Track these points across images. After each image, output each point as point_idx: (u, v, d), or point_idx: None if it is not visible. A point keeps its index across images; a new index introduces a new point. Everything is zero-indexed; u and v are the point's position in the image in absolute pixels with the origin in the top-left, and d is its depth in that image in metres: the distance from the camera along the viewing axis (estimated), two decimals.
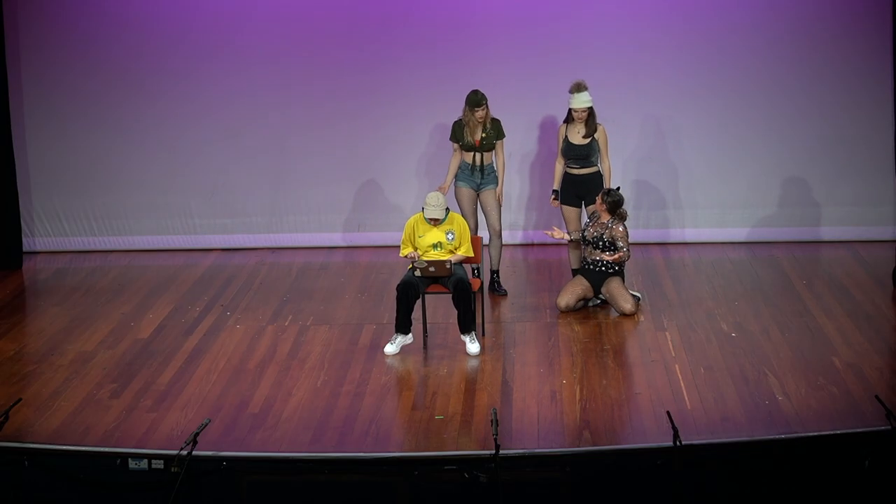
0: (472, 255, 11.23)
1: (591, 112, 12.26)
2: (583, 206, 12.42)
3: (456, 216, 11.25)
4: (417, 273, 10.92)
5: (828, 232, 14.21)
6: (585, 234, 11.88)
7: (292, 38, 14.18)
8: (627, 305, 11.72)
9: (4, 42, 13.69)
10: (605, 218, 11.80)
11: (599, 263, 11.83)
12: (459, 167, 12.55)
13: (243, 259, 14.14)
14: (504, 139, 12.54)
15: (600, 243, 11.77)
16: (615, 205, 11.75)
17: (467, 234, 11.22)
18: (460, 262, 11.14)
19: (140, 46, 14.20)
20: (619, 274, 11.86)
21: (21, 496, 8.93)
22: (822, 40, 13.97)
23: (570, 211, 12.43)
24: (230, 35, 14.19)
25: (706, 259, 13.69)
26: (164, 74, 14.26)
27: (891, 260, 13.15)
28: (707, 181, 14.21)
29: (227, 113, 14.31)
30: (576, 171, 12.38)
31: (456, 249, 11.13)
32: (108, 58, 14.22)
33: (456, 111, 13.27)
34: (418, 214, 11.25)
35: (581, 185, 12.36)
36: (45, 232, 14.54)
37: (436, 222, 11.08)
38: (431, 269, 10.93)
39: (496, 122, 12.47)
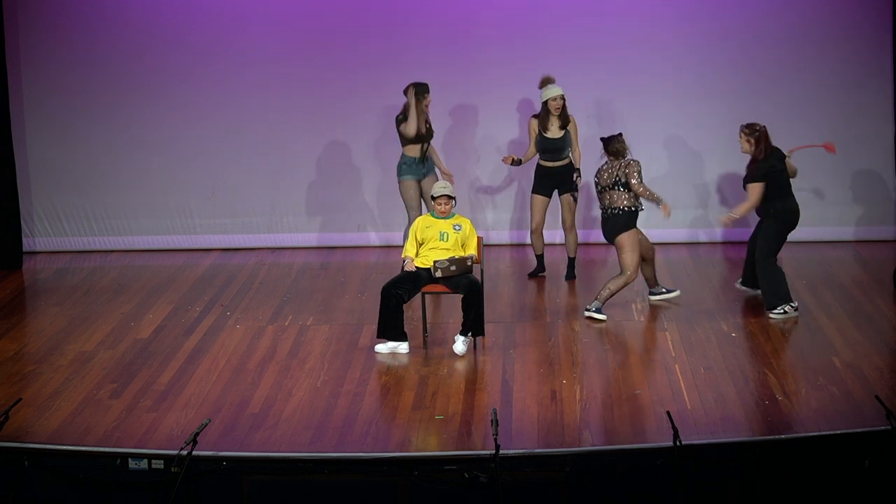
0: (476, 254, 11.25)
1: (564, 102, 12.72)
2: (555, 195, 12.90)
3: (464, 217, 11.28)
4: (439, 274, 10.90)
5: (828, 232, 14.22)
6: (599, 181, 11.83)
7: (292, 38, 14.19)
8: (628, 260, 11.71)
9: (4, 42, 13.69)
10: (615, 161, 11.81)
11: (616, 209, 11.76)
12: (405, 163, 12.97)
13: (243, 259, 14.14)
14: None
15: (619, 186, 11.75)
16: (616, 150, 11.81)
17: (474, 235, 11.22)
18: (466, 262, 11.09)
19: (140, 47, 14.21)
20: (633, 218, 11.78)
21: (21, 496, 8.92)
22: (822, 41, 13.98)
23: (539, 200, 12.92)
24: (230, 36, 14.19)
25: (707, 259, 13.69)
26: (165, 75, 14.27)
27: (891, 260, 13.16)
28: (707, 181, 14.21)
29: (227, 113, 14.32)
30: (550, 164, 12.80)
31: (464, 244, 11.12)
32: (108, 58, 14.23)
33: (455, 111, 13.37)
34: (424, 215, 11.33)
35: (556, 177, 12.80)
36: (45, 232, 14.55)
37: (445, 209, 11.05)
38: (452, 267, 10.92)
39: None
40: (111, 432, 9.39)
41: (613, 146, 11.81)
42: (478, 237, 11.35)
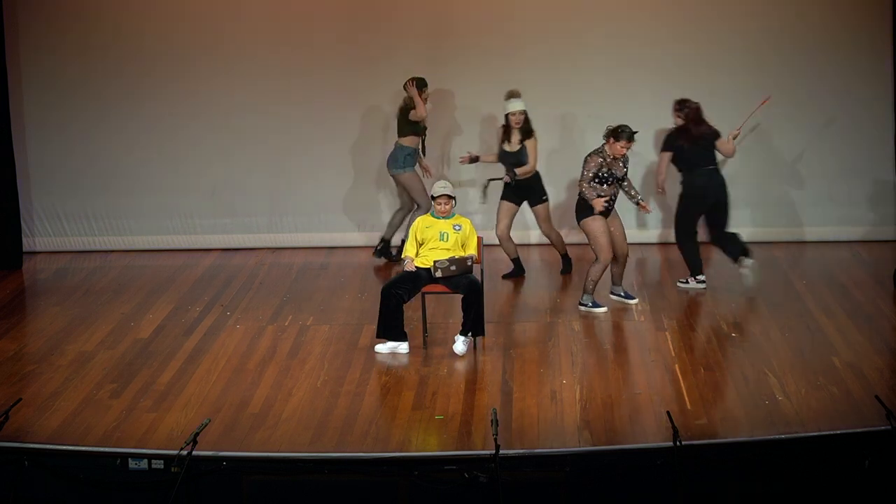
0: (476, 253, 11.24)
1: (526, 117, 12.85)
2: (526, 205, 13.13)
3: (464, 217, 11.27)
4: (439, 274, 10.89)
5: (828, 232, 14.21)
6: (615, 172, 11.78)
7: (293, 38, 14.19)
8: (596, 244, 11.85)
9: (4, 42, 13.68)
10: (625, 148, 11.81)
11: (615, 199, 11.92)
12: (408, 154, 13.37)
13: (243, 259, 14.14)
14: None
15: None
16: (632, 133, 11.83)
17: (474, 235, 11.22)
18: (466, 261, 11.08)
19: (140, 46, 14.20)
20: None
21: (21, 496, 8.92)
22: (823, 39, 13.97)
23: (506, 205, 13.13)
24: (230, 35, 14.19)
25: (706, 259, 13.67)
26: (164, 75, 14.25)
27: (891, 260, 13.15)
28: None
29: (227, 113, 14.31)
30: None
31: (464, 244, 11.11)
32: (108, 59, 14.23)
33: (458, 112, 13.35)
34: (424, 214, 11.33)
35: (522, 189, 13.01)
36: (45, 232, 14.55)
37: (445, 209, 11.04)
38: (452, 267, 10.91)
39: None
40: (111, 432, 9.39)
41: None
42: (478, 237, 11.34)
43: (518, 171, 12.84)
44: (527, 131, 12.88)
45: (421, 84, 13.29)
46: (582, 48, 14.07)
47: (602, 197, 11.73)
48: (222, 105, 14.30)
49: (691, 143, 12.44)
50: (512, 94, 12.93)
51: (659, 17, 14.04)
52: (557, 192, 13.97)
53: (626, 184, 11.98)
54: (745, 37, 14.01)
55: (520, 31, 14.07)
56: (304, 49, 14.20)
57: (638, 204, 12.08)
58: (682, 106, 12.56)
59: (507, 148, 12.94)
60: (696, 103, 12.57)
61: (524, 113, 12.85)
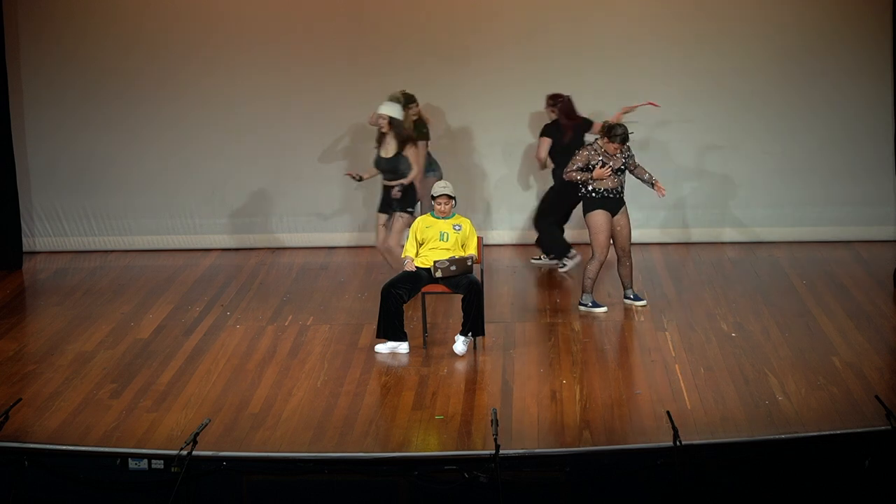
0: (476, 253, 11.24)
1: (392, 123, 12.25)
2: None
3: (464, 217, 11.26)
4: (439, 274, 10.89)
5: (828, 232, 14.21)
6: (611, 164, 11.67)
7: (293, 39, 14.19)
8: (594, 242, 11.88)
9: (4, 43, 13.68)
10: (617, 149, 11.74)
11: (621, 189, 11.85)
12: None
13: (243, 259, 14.14)
14: None
15: (630, 167, 11.85)
16: (625, 136, 11.75)
17: (474, 235, 11.22)
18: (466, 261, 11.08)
19: (140, 47, 14.20)
20: (590, 201, 11.89)
21: (21, 496, 8.92)
22: (822, 40, 13.97)
23: (380, 217, 12.47)
24: (231, 33, 14.19)
25: (706, 259, 13.69)
26: (165, 75, 14.25)
27: (891, 260, 13.15)
28: (707, 181, 14.21)
29: (227, 113, 14.31)
30: (386, 183, 12.43)
31: (464, 244, 11.11)
32: (109, 59, 14.22)
33: (457, 112, 13.33)
34: (424, 214, 11.32)
35: (391, 197, 12.39)
36: (45, 232, 14.55)
37: (445, 209, 11.04)
38: (452, 268, 10.91)
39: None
40: (111, 432, 9.39)
41: None
42: (478, 237, 11.34)
43: (400, 182, 12.22)
44: (402, 139, 12.30)
45: (406, 100, 12.87)
46: (586, 46, 14.09)
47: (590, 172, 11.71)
48: (223, 105, 14.30)
49: (564, 135, 12.81)
50: (391, 97, 12.61)
51: (673, 15, 14.06)
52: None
53: (636, 170, 11.88)
54: (746, 40, 14.01)
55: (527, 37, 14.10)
56: (307, 48, 14.19)
57: (653, 185, 11.95)
58: (555, 101, 12.99)
59: (382, 153, 12.39)
60: (567, 96, 12.97)
61: (388, 119, 12.26)
